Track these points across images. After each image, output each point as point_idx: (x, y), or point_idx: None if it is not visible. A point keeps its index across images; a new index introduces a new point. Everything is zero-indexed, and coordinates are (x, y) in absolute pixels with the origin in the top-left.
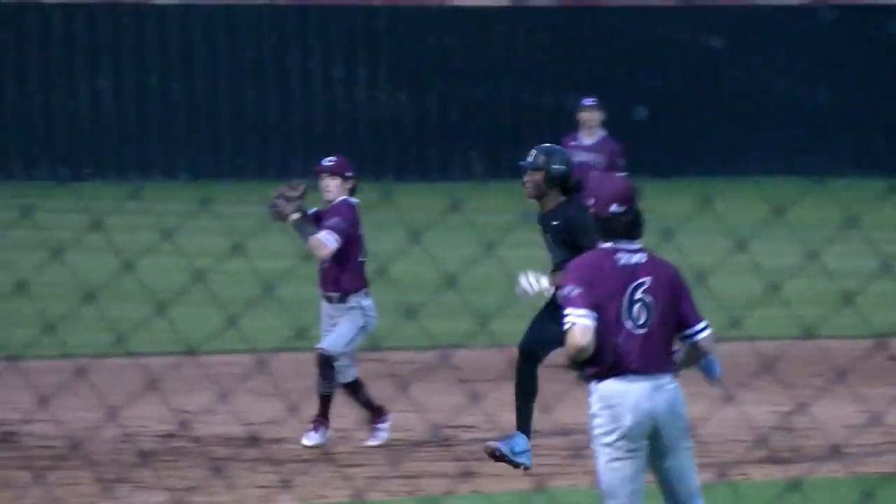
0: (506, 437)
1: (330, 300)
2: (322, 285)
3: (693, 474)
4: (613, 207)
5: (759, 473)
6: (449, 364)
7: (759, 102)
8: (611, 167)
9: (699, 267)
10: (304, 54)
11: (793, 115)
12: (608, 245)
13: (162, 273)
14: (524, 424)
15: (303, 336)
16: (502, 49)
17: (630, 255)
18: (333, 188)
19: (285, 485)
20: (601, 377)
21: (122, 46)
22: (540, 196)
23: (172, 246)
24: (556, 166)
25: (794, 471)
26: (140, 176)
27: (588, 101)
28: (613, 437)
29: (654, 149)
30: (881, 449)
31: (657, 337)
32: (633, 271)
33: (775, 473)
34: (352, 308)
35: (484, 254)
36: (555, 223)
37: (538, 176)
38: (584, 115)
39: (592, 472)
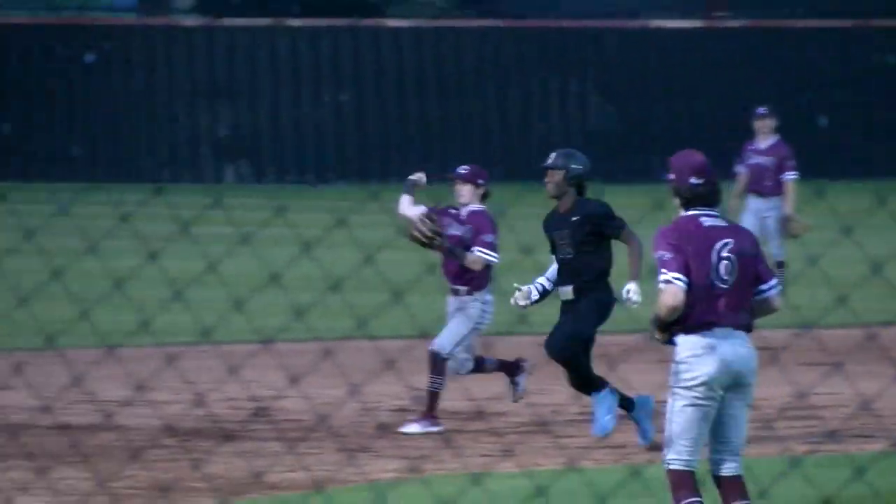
0: (596, 422)
1: (457, 293)
2: (451, 280)
3: (745, 427)
4: (692, 179)
5: None
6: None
7: None
8: (781, 168)
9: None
10: (522, 72)
11: None
12: (691, 212)
13: (398, 265)
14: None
15: (522, 321)
16: (697, 65)
17: (712, 219)
18: (466, 193)
19: (505, 454)
20: (689, 330)
21: (363, 64)
22: (560, 195)
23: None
24: (575, 166)
25: None
26: (379, 180)
27: (761, 110)
28: (696, 382)
29: (834, 153)
30: None
31: (740, 293)
32: (718, 233)
33: None
34: (475, 301)
35: None
36: (574, 219)
37: (559, 175)
38: (758, 123)
39: None
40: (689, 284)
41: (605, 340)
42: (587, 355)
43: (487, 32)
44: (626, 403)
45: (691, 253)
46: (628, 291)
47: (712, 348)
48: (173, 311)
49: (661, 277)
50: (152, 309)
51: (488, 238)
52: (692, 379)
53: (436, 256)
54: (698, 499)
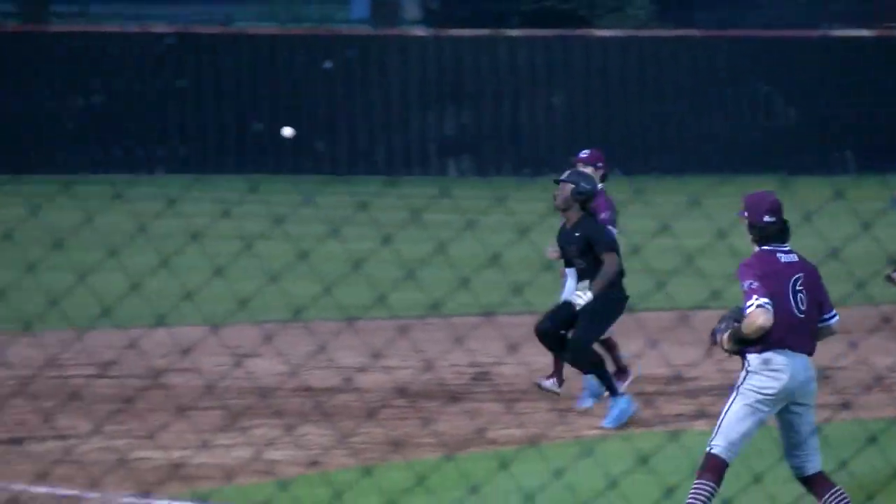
0: (610, 414)
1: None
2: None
3: (816, 437)
4: (766, 218)
5: None
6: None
7: None
8: None
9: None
10: (714, 76)
11: None
12: (767, 248)
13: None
14: (611, 387)
15: (716, 297)
16: (868, 70)
17: (786, 255)
18: None
19: (700, 413)
20: (765, 349)
21: (573, 70)
22: (566, 208)
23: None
24: (584, 185)
25: None
26: None
27: None
28: (763, 394)
29: None
30: None
31: (809, 322)
32: (792, 268)
33: None
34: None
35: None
36: (577, 234)
37: (567, 189)
38: None
39: None
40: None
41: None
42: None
43: (684, 41)
44: (612, 389)
45: (772, 284)
46: (577, 292)
47: (785, 368)
48: (405, 288)
49: (752, 301)
50: (386, 286)
51: (604, 215)
52: (762, 388)
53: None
54: (716, 486)
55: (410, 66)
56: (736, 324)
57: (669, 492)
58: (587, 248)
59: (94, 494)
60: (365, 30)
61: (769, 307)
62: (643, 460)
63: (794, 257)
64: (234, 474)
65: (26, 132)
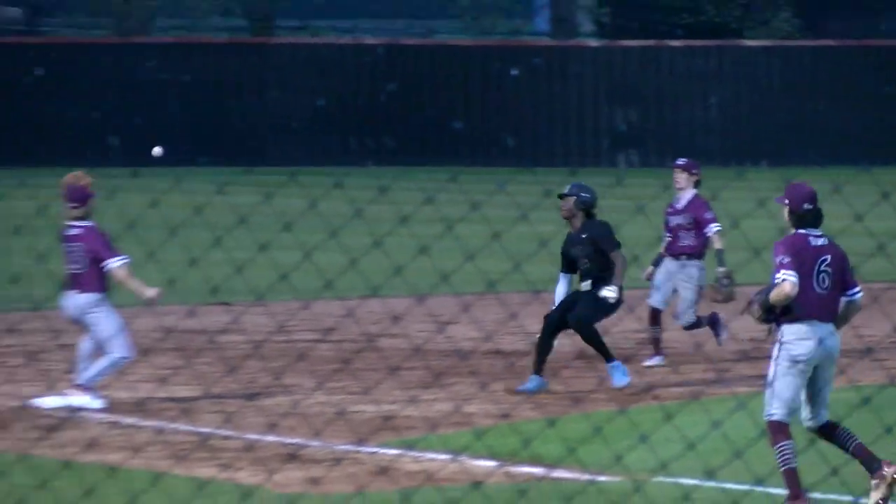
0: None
1: (678, 258)
2: (680, 248)
3: (829, 391)
4: (805, 206)
5: None
6: None
7: None
8: None
9: None
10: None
11: None
12: (801, 231)
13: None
14: (608, 354)
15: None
16: None
17: (816, 238)
18: (682, 181)
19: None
20: (794, 321)
21: (725, 75)
22: (570, 217)
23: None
24: (584, 195)
25: None
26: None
27: None
28: (799, 358)
29: None
30: None
31: (832, 297)
32: (820, 251)
33: None
34: (696, 267)
35: None
36: (583, 236)
37: (570, 201)
38: None
39: None
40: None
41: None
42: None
43: (822, 50)
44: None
45: (801, 263)
46: (606, 290)
47: (813, 335)
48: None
49: (781, 274)
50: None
51: (709, 215)
52: (797, 355)
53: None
54: (792, 442)
55: (585, 72)
56: (766, 296)
57: (811, 441)
58: (593, 247)
59: (316, 443)
60: (547, 41)
61: (795, 279)
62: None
63: (824, 241)
64: (437, 425)
65: (260, 130)
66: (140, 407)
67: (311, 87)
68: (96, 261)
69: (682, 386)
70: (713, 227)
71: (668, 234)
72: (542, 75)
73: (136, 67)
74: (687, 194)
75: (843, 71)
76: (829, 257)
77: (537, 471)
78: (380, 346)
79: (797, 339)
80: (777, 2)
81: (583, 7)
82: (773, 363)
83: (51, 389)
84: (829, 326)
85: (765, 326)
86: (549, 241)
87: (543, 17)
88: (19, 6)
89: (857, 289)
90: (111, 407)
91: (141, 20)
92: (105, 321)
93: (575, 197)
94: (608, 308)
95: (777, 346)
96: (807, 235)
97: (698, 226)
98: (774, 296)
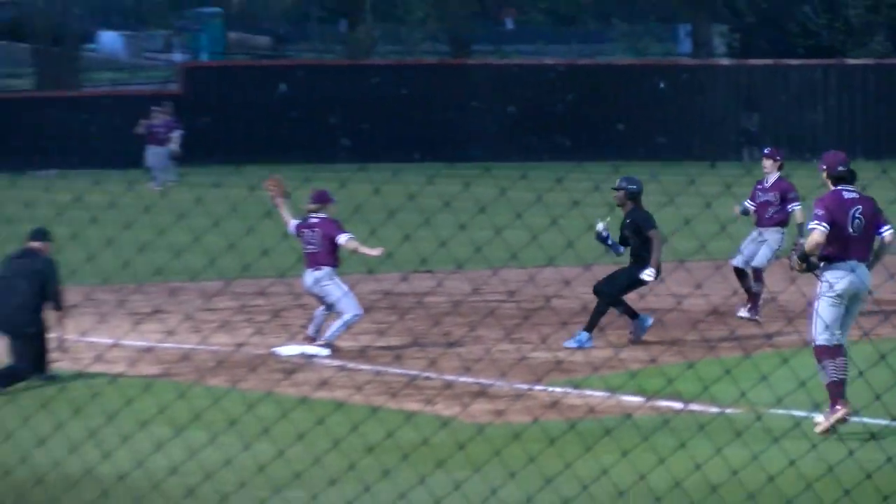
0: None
1: (764, 225)
2: (766, 220)
3: (852, 322)
4: (840, 168)
5: None
6: None
7: None
8: None
9: None
10: None
11: None
12: (838, 188)
13: None
14: (591, 327)
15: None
16: None
17: (850, 193)
18: (769, 166)
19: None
20: (833, 260)
21: (829, 89)
22: (622, 205)
23: None
24: (630, 187)
25: None
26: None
27: None
28: (838, 292)
29: None
30: None
31: (866, 239)
32: (853, 202)
33: None
34: (778, 233)
35: None
36: (628, 221)
37: (621, 193)
38: None
39: None
40: (833, 232)
41: None
42: (619, 299)
43: None
44: (633, 314)
45: (837, 214)
46: (645, 273)
47: (849, 272)
48: (720, 238)
49: (813, 224)
50: (706, 238)
51: (793, 194)
52: (837, 290)
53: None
54: (838, 359)
55: (719, 84)
56: (802, 249)
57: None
58: (636, 229)
59: (500, 382)
60: (688, 60)
61: (824, 229)
62: (882, 356)
63: (855, 194)
64: (597, 368)
65: (461, 132)
66: (361, 354)
67: (502, 98)
68: (330, 241)
69: (795, 334)
70: (796, 205)
71: (752, 203)
72: (685, 87)
73: (363, 84)
74: (772, 176)
75: None
76: (861, 207)
77: (677, 405)
78: (553, 305)
79: (836, 278)
80: (873, 28)
81: (717, 33)
82: (817, 299)
83: (290, 340)
84: (863, 267)
85: (808, 273)
86: (692, 221)
87: (686, 41)
88: (268, 35)
89: (888, 227)
90: (338, 354)
91: (365, 47)
92: (336, 289)
93: (624, 191)
94: (638, 283)
95: (820, 284)
96: (842, 191)
97: (783, 201)
98: (807, 243)
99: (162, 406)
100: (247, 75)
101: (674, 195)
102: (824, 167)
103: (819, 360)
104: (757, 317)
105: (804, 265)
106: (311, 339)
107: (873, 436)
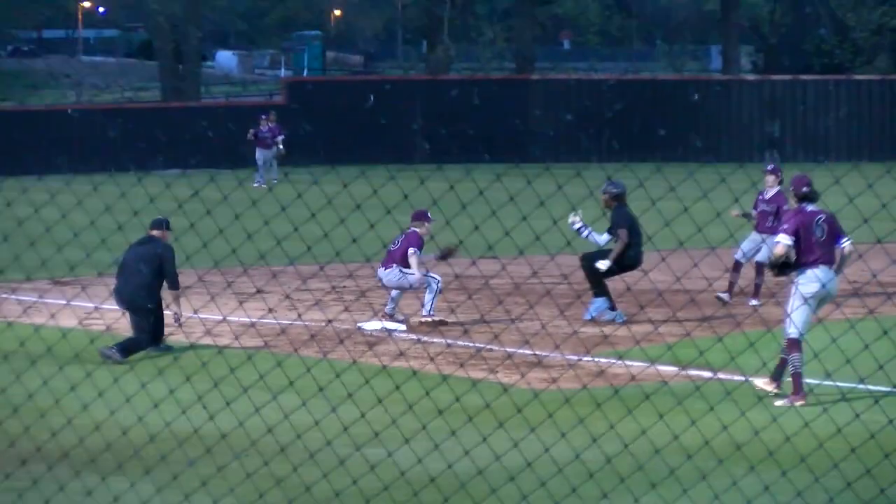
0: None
1: (762, 233)
2: (764, 228)
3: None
4: (804, 189)
5: None
6: None
7: None
8: None
9: None
10: None
11: None
12: (803, 204)
13: None
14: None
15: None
16: None
17: (812, 207)
18: (770, 181)
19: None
20: (804, 266)
21: (840, 100)
22: (608, 207)
23: None
24: (614, 190)
25: None
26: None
27: None
28: (810, 293)
29: None
30: None
31: (829, 244)
32: (815, 214)
33: None
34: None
35: None
36: (612, 218)
37: (606, 196)
38: None
39: None
40: (799, 242)
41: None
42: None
43: None
44: (613, 306)
45: (802, 224)
46: (601, 262)
47: (818, 276)
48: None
49: (779, 237)
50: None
51: (786, 208)
52: (808, 291)
53: None
54: (802, 354)
55: (745, 96)
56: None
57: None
58: (615, 227)
59: (555, 353)
60: (719, 76)
61: (787, 241)
62: (884, 332)
63: (816, 208)
64: (639, 341)
65: (525, 137)
66: (434, 328)
67: (559, 108)
68: (408, 248)
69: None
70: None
71: (755, 210)
72: (716, 99)
73: (441, 95)
74: (772, 190)
75: None
76: (822, 216)
77: (707, 374)
78: None
79: (807, 281)
80: (877, 48)
81: (745, 52)
82: (790, 298)
83: (373, 317)
84: (830, 272)
85: (782, 278)
86: (721, 213)
87: (717, 59)
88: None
89: (847, 238)
90: (414, 329)
91: (443, 64)
92: (408, 280)
93: (608, 193)
94: (617, 269)
95: (794, 286)
96: (805, 206)
97: (779, 213)
98: (773, 253)
99: (261, 374)
100: (341, 88)
101: (707, 191)
102: (792, 188)
103: (789, 352)
104: (755, 302)
105: (775, 271)
106: (389, 316)
107: (877, 401)
